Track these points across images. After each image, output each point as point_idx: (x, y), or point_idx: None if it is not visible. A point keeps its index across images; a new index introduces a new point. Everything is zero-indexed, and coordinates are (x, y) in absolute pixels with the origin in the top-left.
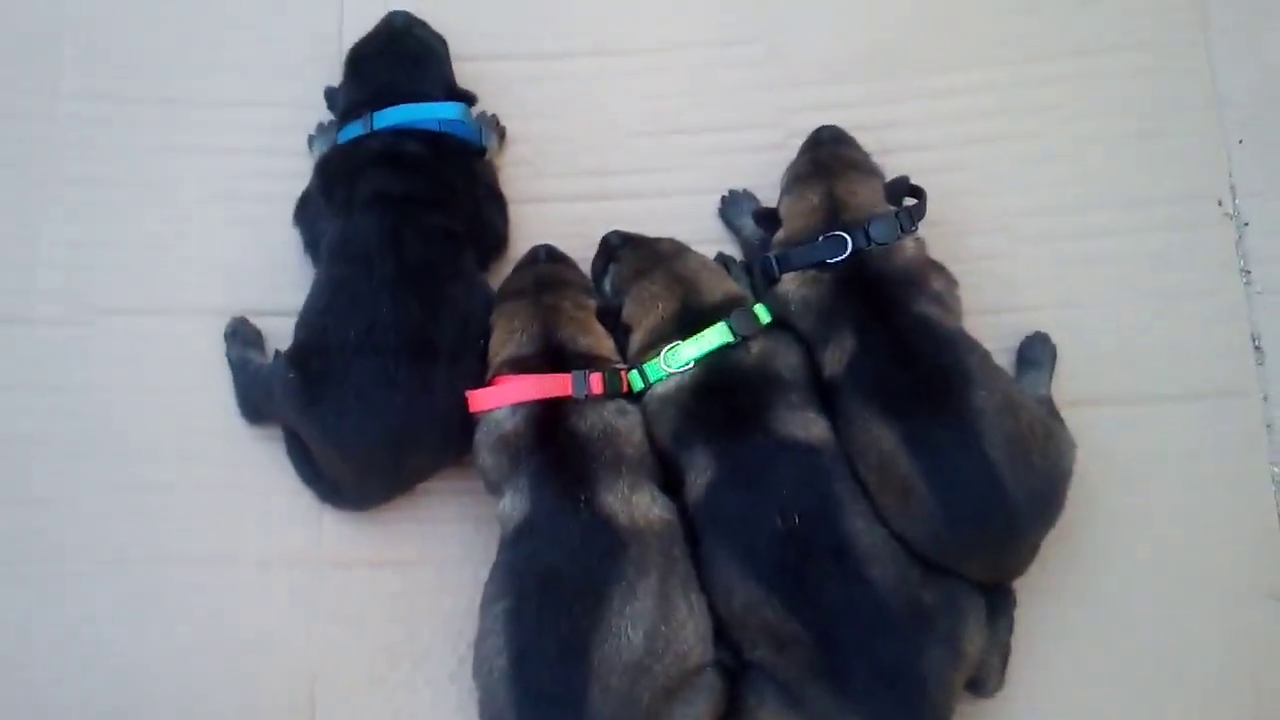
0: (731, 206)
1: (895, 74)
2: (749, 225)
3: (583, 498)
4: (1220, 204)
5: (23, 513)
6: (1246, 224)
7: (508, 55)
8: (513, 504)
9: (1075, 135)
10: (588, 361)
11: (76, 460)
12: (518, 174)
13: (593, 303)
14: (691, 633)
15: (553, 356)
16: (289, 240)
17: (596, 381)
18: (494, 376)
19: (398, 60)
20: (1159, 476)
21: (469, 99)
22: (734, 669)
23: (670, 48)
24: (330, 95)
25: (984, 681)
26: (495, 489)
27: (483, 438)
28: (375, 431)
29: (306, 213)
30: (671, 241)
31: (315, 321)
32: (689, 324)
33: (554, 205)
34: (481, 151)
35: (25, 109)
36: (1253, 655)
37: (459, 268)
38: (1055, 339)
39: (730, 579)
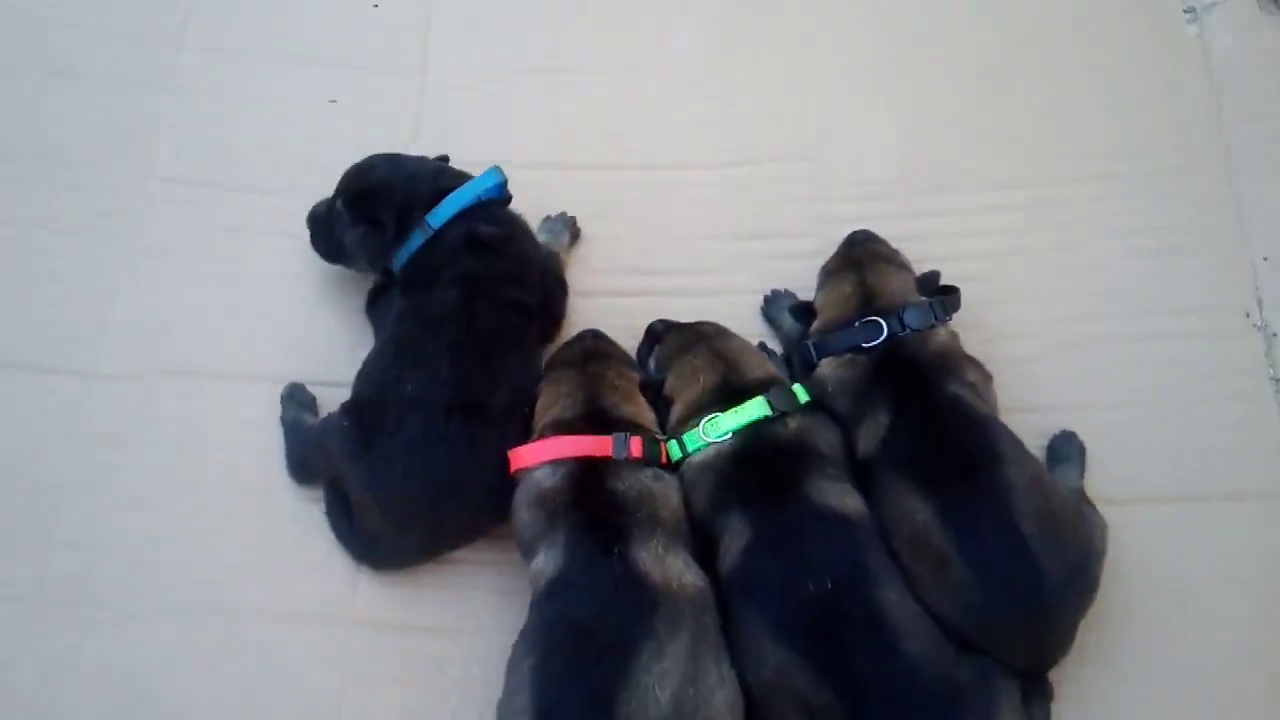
0: (773, 305)
1: (927, 192)
2: (789, 321)
3: (616, 550)
4: (1248, 315)
5: (65, 558)
6: (1275, 335)
7: (566, 165)
8: (546, 561)
9: (1102, 250)
10: (628, 428)
11: (122, 510)
12: (571, 270)
13: (636, 376)
14: (721, 701)
15: (595, 420)
16: (345, 318)
17: (637, 445)
18: (538, 438)
19: (396, 168)
20: (1194, 576)
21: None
22: None
23: (720, 165)
24: (329, 223)
25: None
26: (530, 549)
27: (522, 496)
28: (420, 482)
29: (378, 304)
30: (714, 324)
31: (375, 377)
32: (729, 397)
33: (602, 299)
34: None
35: (120, 186)
36: None
37: (522, 341)
38: (1086, 439)
39: (762, 645)
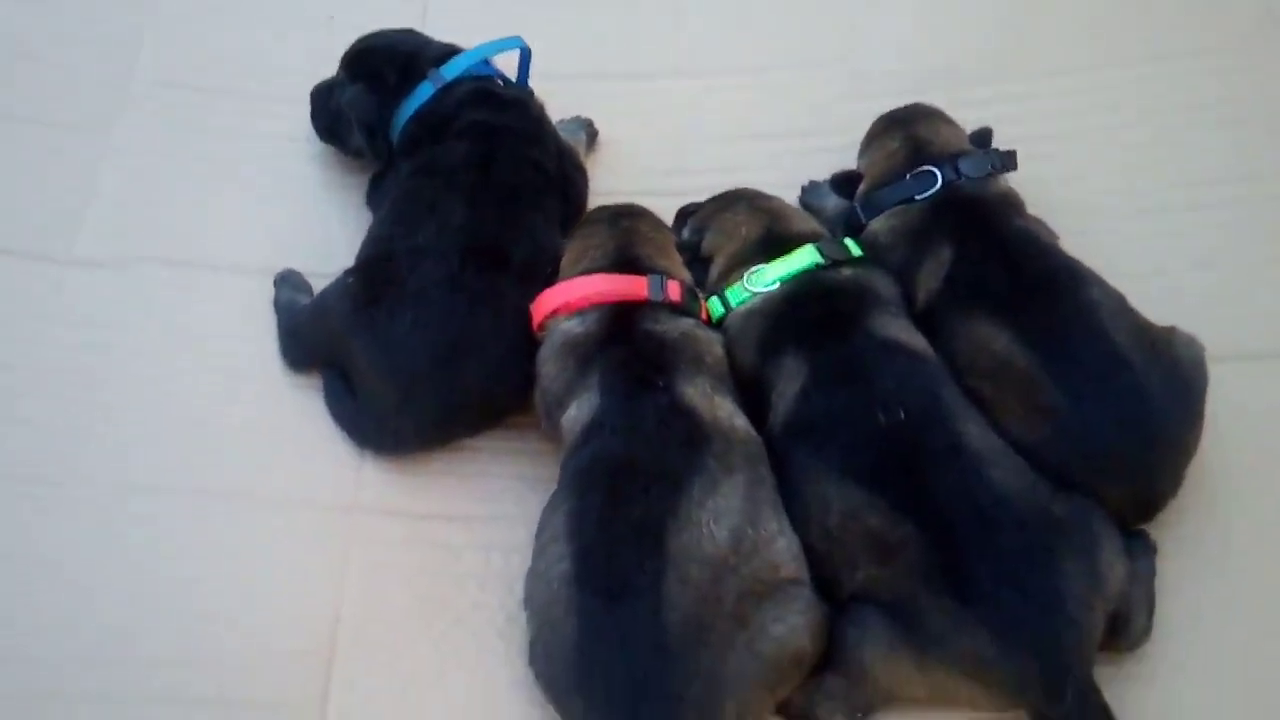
0: (811, 193)
1: (974, 83)
2: (830, 204)
3: (661, 383)
4: None
5: (27, 436)
6: None
7: (595, 74)
8: (579, 409)
9: (1159, 125)
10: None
11: (90, 390)
12: (596, 173)
13: (670, 234)
14: (784, 548)
15: (628, 268)
16: (343, 215)
17: (674, 288)
18: None
19: (405, 35)
20: None
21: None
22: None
23: (751, 70)
24: (338, 106)
25: (1129, 622)
26: (558, 405)
27: (549, 350)
28: (430, 339)
29: (379, 194)
30: (749, 188)
31: (380, 233)
32: (773, 248)
33: (630, 199)
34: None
35: (108, 89)
36: None
37: (542, 203)
38: (1166, 304)
39: (826, 490)
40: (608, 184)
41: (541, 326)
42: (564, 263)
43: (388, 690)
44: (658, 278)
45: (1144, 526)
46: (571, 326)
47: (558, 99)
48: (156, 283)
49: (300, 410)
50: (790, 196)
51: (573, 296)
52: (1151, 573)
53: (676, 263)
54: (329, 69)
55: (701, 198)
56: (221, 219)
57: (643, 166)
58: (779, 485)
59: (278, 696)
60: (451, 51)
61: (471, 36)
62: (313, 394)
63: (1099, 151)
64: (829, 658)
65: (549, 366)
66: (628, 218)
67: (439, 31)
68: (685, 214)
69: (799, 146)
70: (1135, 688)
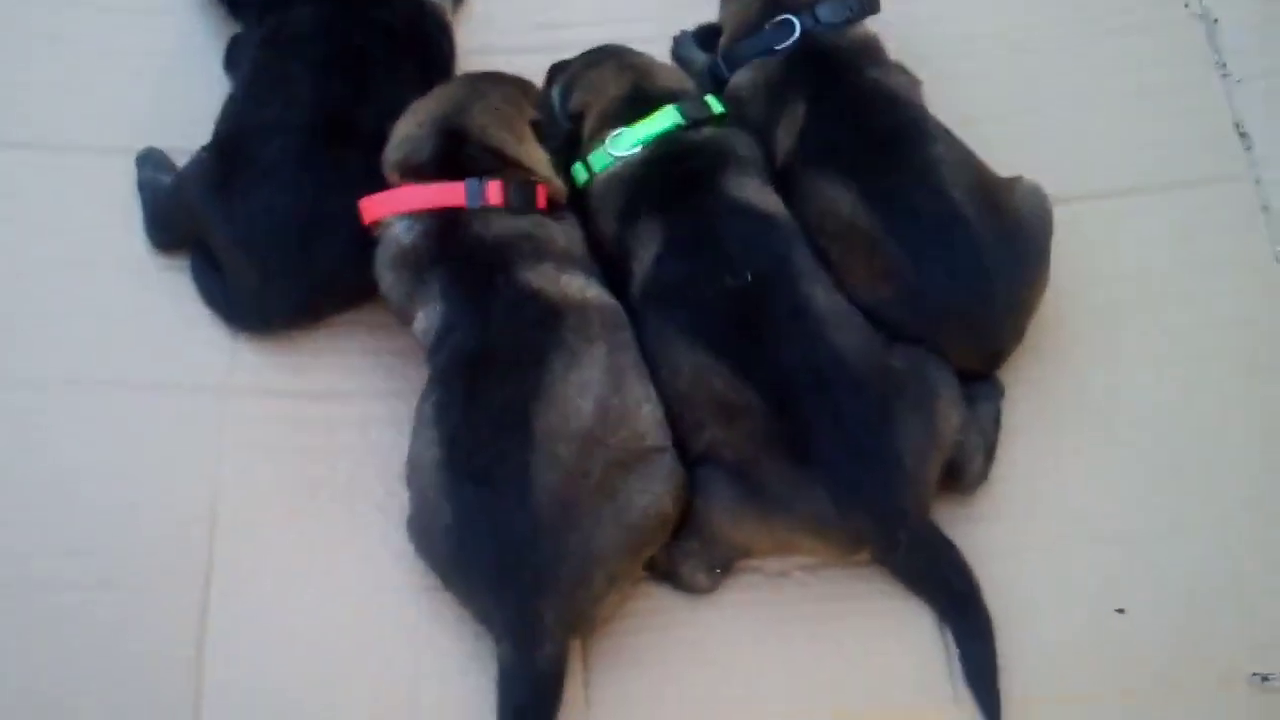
0: (683, 44)
1: None
2: (700, 57)
3: (500, 279)
4: (1187, 5)
5: None
6: (1216, 20)
7: None
8: (426, 316)
9: None
10: (494, 158)
11: None
12: (465, 28)
13: (531, 108)
14: (648, 414)
15: (450, 159)
16: (202, 87)
17: (494, 190)
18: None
19: None
20: (1157, 264)
21: None
22: None
23: None
24: None
25: (963, 469)
26: (406, 310)
27: (383, 255)
28: (285, 212)
29: (236, 55)
30: (618, 45)
31: (233, 110)
32: (639, 107)
33: (508, 56)
34: None
35: None
36: (1266, 431)
37: (394, 67)
38: (1027, 143)
39: (677, 352)
40: (486, 40)
41: (374, 227)
42: (394, 129)
43: (269, 567)
44: (475, 182)
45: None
46: (399, 235)
47: None
48: (11, 168)
49: (170, 292)
50: (665, 47)
51: (390, 211)
52: (995, 417)
53: (522, 136)
54: None
55: (571, 54)
56: (76, 98)
57: (518, 22)
58: (640, 350)
59: (160, 579)
60: None
61: None
62: (181, 275)
63: None
64: (684, 520)
65: (386, 274)
66: (485, 82)
67: None
68: (555, 70)
69: None
70: (983, 526)
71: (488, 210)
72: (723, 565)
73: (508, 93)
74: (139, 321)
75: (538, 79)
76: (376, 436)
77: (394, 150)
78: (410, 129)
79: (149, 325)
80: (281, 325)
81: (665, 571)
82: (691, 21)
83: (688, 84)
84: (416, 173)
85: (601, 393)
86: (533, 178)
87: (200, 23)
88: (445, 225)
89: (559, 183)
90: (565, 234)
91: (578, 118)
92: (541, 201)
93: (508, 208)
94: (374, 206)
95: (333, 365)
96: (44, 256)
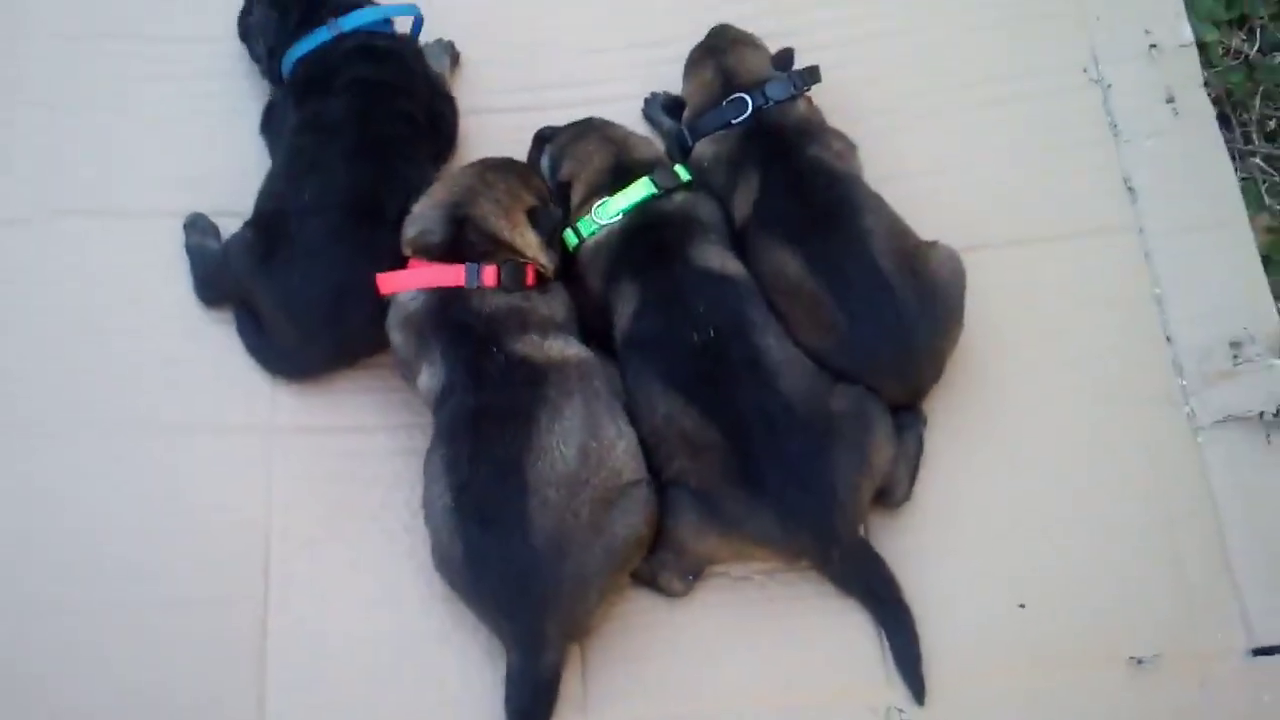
0: (652, 106)
1: None
2: (666, 121)
3: (494, 348)
4: (1085, 71)
5: None
6: (1110, 85)
7: None
8: (430, 376)
9: (946, 28)
10: (490, 244)
11: (36, 340)
12: (457, 91)
13: (530, 197)
14: (623, 451)
15: (456, 242)
16: (241, 152)
17: (490, 274)
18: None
19: None
20: (1054, 305)
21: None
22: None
23: None
24: (251, 21)
25: (892, 491)
26: (411, 368)
27: (393, 318)
28: (320, 284)
29: (272, 121)
30: (600, 118)
31: (273, 189)
32: (621, 177)
33: (491, 116)
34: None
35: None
36: (1151, 455)
37: (414, 152)
38: (945, 196)
39: (653, 394)
40: (474, 101)
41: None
42: (412, 210)
43: (317, 582)
44: (474, 267)
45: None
46: (406, 301)
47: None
48: (76, 234)
49: (217, 343)
50: (634, 105)
51: (400, 288)
52: (918, 444)
53: (517, 222)
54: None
55: (562, 111)
56: (129, 165)
57: (503, 83)
58: (625, 386)
59: (227, 592)
60: (356, 4)
61: None
62: (226, 327)
63: (893, 55)
64: (659, 536)
65: (395, 335)
66: (492, 171)
67: None
68: (542, 138)
69: (647, 58)
70: (908, 535)
71: (483, 289)
72: (694, 572)
73: (511, 184)
74: (194, 370)
75: (524, 135)
76: (402, 465)
77: (410, 228)
78: (425, 211)
79: (202, 373)
80: (316, 374)
81: (646, 579)
82: (658, 80)
83: (659, 152)
84: (426, 251)
85: (582, 439)
86: (523, 260)
87: (240, 88)
88: (446, 299)
89: (545, 261)
90: (548, 304)
91: (565, 185)
92: (530, 279)
93: (501, 287)
94: (388, 282)
95: (361, 404)
96: (109, 311)
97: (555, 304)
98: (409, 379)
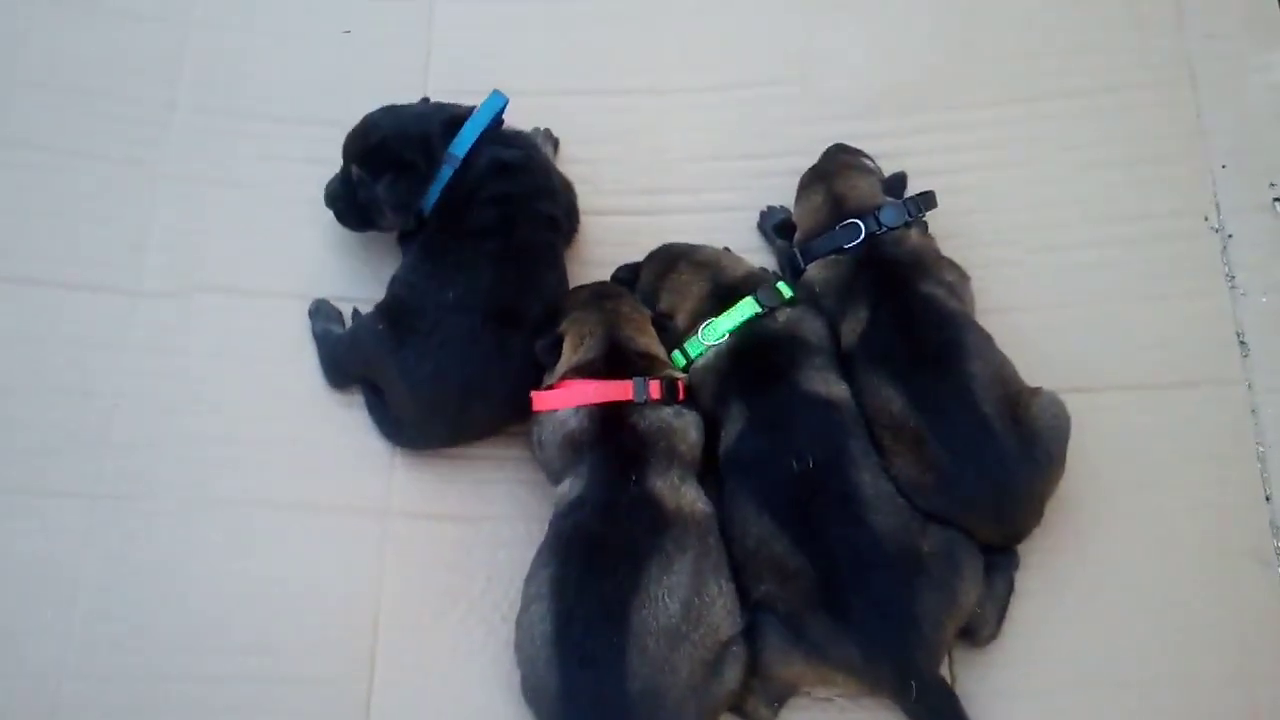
0: (768, 219)
1: (913, 111)
2: (777, 239)
3: (634, 477)
4: (1206, 219)
5: (117, 457)
6: (1230, 236)
7: (571, 91)
8: (570, 486)
9: (1074, 162)
10: (646, 361)
11: (168, 414)
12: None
13: (647, 311)
14: (721, 608)
15: (614, 359)
16: (368, 239)
17: (655, 388)
18: (560, 380)
19: (403, 115)
20: (1156, 454)
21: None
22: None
23: (717, 88)
24: (364, 197)
25: (977, 630)
26: (557, 477)
27: (548, 435)
28: (452, 379)
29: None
30: (678, 244)
31: (413, 281)
32: (722, 299)
33: (608, 218)
34: None
35: (146, 116)
36: (1239, 613)
37: (556, 256)
38: (1055, 334)
39: (747, 516)
40: (590, 203)
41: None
42: (565, 349)
43: (420, 664)
44: (641, 381)
45: None
46: (567, 418)
47: (542, 114)
48: (213, 310)
49: (341, 425)
50: (748, 215)
51: (570, 404)
52: (1008, 586)
53: (654, 338)
54: (348, 87)
55: (674, 217)
56: (262, 244)
57: (620, 185)
58: (722, 503)
59: (336, 671)
60: (451, 119)
61: (468, 50)
62: (349, 410)
63: (1016, 185)
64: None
65: (549, 449)
66: (610, 299)
67: (439, 47)
68: (620, 278)
69: (762, 169)
70: (993, 670)
71: (646, 404)
72: (779, 699)
73: (632, 303)
74: (314, 451)
75: (640, 240)
76: (505, 556)
77: (566, 360)
78: (580, 341)
79: (323, 455)
80: (430, 449)
81: (734, 706)
82: (777, 195)
83: (751, 267)
84: (591, 371)
85: (686, 595)
86: (674, 374)
87: None
88: (608, 414)
89: (681, 373)
90: (694, 428)
91: (665, 317)
92: (682, 393)
93: (662, 400)
94: (552, 400)
95: (471, 494)
96: (238, 388)
97: (693, 431)
98: (552, 482)
